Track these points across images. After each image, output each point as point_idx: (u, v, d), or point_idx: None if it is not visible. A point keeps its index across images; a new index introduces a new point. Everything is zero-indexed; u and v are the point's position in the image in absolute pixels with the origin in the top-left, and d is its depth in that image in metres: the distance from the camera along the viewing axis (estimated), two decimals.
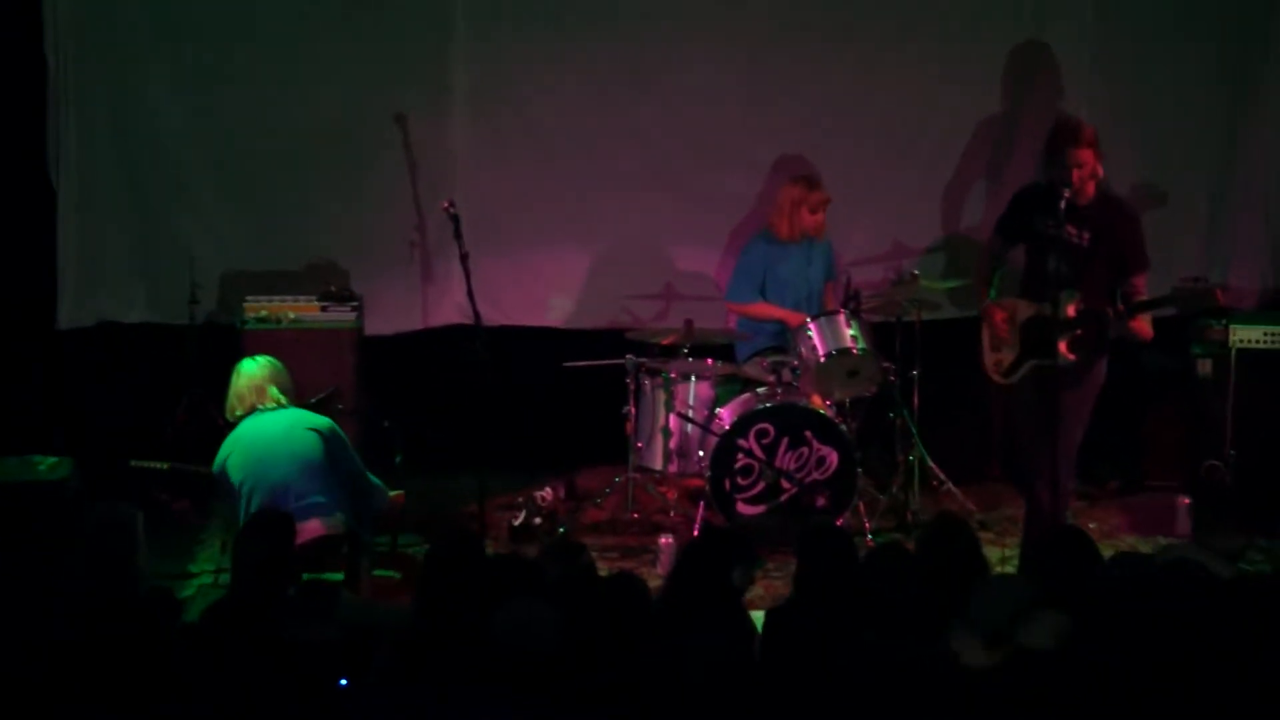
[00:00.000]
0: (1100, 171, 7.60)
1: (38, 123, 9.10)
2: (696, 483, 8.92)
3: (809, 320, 8.71)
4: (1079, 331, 7.47)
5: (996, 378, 7.88)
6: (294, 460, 7.26)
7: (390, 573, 7.49)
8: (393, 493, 7.78)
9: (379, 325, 9.33)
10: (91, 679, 5.08)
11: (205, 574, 8.13)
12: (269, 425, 7.38)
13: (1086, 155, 7.51)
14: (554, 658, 4.93)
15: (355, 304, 9.01)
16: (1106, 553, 8.24)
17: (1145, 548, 8.51)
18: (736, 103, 9.51)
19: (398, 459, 7.80)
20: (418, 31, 9.30)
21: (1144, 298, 7.58)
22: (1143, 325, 7.57)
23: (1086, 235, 7.50)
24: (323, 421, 7.45)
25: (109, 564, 5.81)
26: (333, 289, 9.07)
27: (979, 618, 5.18)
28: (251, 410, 7.45)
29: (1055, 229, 7.46)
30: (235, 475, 7.30)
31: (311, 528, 7.10)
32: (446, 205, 8.31)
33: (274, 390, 7.49)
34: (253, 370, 7.55)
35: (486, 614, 5.18)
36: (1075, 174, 7.49)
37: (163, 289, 9.30)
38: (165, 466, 7.85)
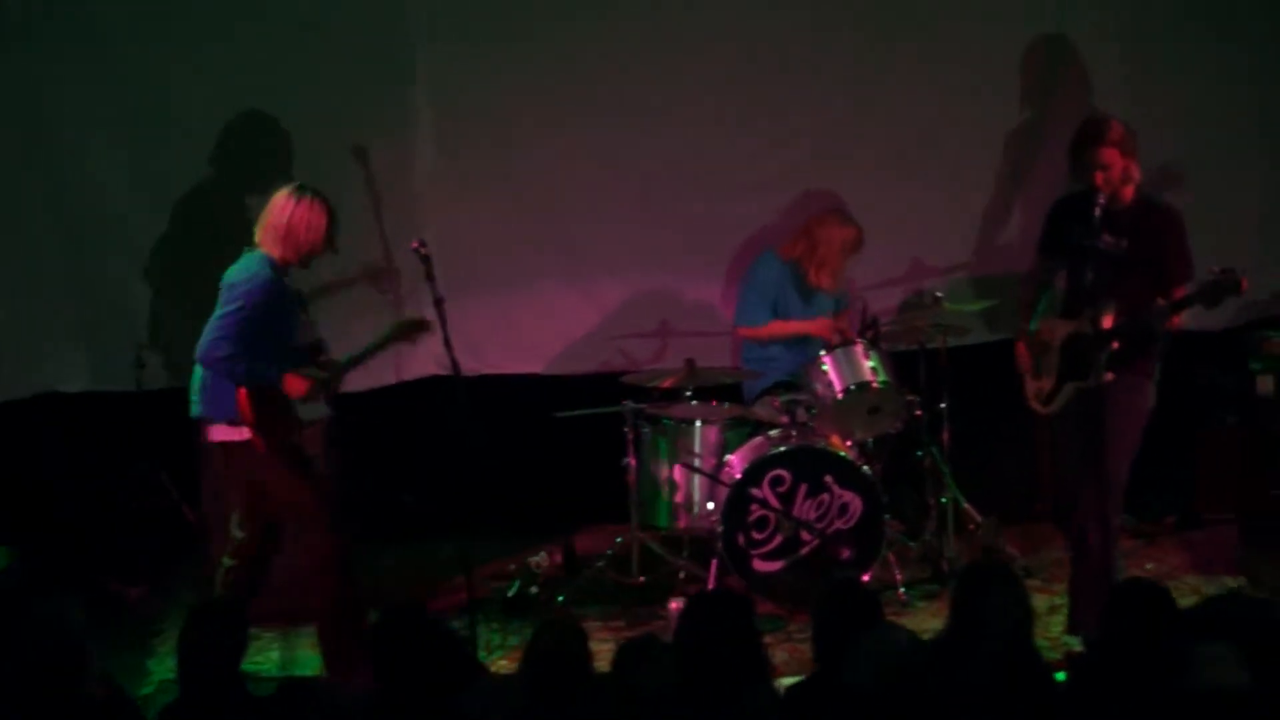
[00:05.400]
0: (1135, 174, 7.31)
1: None
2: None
3: (823, 353, 8.39)
4: (1115, 345, 7.19)
5: (1038, 407, 7.59)
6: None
7: None
8: None
9: (348, 380, 8.60)
10: None
11: (166, 669, 7.58)
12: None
13: (1111, 155, 7.24)
14: None
15: None
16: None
17: (1211, 589, 8.14)
18: (726, 122, 9.12)
19: None
20: (374, 58, 8.90)
21: None
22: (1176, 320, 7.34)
23: (1125, 243, 7.21)
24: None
25: (53, 666, 5.37)
26: None
27: None
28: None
29: (1089, 238, 7.21)
30: None
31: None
32: (416, 245, 7.72)
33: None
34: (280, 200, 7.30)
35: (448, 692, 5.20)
36: (1099, 176, 7.24)
37: (106, 355, 8.93)
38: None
